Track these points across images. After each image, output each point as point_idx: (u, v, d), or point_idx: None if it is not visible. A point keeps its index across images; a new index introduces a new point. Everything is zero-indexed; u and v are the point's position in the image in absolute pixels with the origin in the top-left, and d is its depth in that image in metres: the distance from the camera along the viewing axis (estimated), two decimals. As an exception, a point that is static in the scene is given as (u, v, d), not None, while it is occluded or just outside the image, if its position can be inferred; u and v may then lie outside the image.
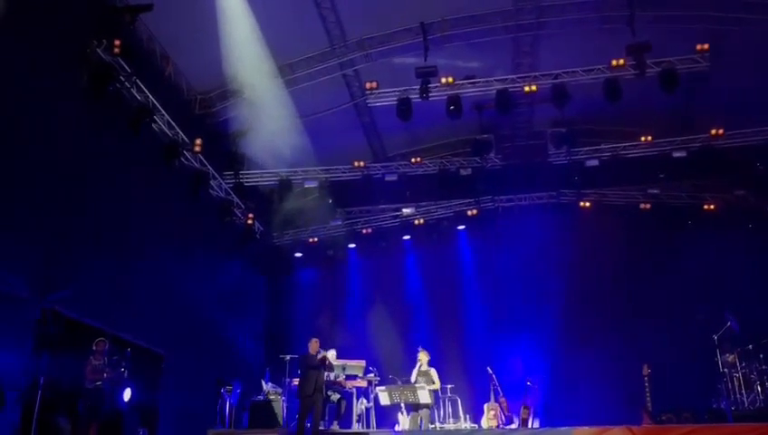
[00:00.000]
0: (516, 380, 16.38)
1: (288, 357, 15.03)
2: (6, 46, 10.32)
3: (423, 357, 14.78)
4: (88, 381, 12.00)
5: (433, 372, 14.76)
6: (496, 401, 15.69)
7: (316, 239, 20.96)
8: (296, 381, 14.58)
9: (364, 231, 20.63)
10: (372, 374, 15.25)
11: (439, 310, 19.94)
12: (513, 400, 15.91)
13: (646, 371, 14.22)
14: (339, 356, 15.29)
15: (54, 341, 11.51)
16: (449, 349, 18.30)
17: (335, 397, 14.76)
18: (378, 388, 14.66)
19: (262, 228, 19.80)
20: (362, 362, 15.25)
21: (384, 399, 14.24)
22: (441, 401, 15.94)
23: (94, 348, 12.25)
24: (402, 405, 14.42)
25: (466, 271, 20.51)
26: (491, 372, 15.83)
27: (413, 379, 14.65)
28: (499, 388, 15.60)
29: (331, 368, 13.99)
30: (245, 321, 19.21)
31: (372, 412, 15.03)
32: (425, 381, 14.65)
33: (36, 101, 11.59)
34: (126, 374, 12.38)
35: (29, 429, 10.47)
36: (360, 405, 15.01)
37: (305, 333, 16.63)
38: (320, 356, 13.55)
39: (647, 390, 14.14)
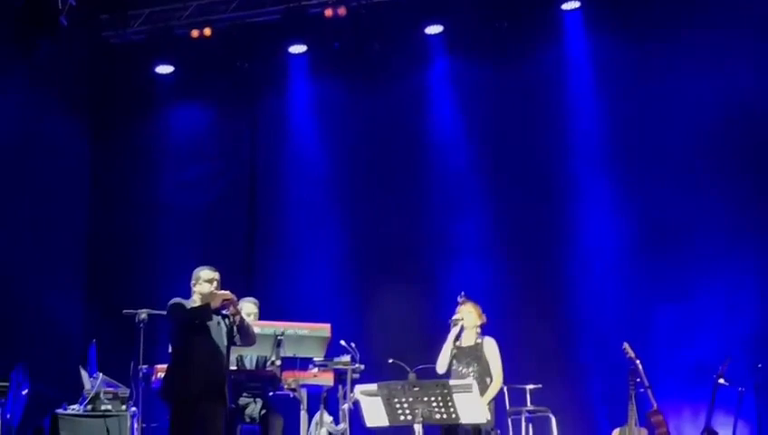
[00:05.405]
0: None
1: (144, 314, 7.22)
2: None
3: (466, 313, 7.25)
4: None
5: (489, 345, 7.21)
6: (642, 423, 7.70)
7: (209, 31, 10.27)
8: (162, 371, 6.98)
9: (327, 12, 9.82)
10: (347, 357, 7.33)
11: (504, 195, 9.88)
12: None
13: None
14: (265, 313, 7.48)
15: None
16: (529, 294, 9.62)
17: (255, 409, 7.08)
18: (360, 389, 6.53)
19: (74, 3, 9.44)
20: (324, 329, 7.33)
21: (373, 413, 6.38)
22: (512, 421, 8.13)
23: None
24: (418, 429, 6.37)
25: (573, 103, 9.99)
26: (631, 352, 7.81)
27: (442, 364, 7.13)
28: (650, 390, 7.69)
29: (246, 331, 6.41)
30: (45, 229, 10.04)
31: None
32: (471, 368, 7.14)
33: None
34: None
35: None
36: (318, 429, 7.16)
37: (180, 257, 9.50)
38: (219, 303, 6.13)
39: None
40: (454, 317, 7.44)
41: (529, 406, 8.26)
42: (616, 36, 9.70)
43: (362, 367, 7.28)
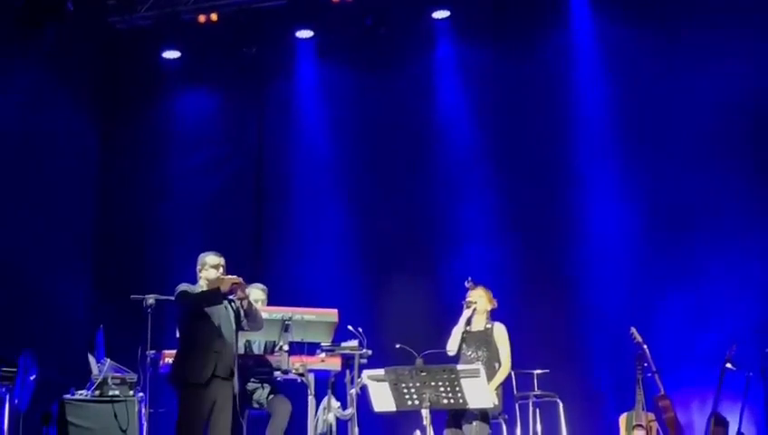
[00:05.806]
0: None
1: (151, 299, 7.37)
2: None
3: (477, 298, 7.31)
4: None
5: (499, 331, 7.30)
6: (650, 407, 7.70)
7: (216, 16, 10.28)
8: (169, 356, 7.04)
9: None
10: (355, 342, 7.22)
11: (510, 181, 9.77)
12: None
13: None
14: (273, 299, 7.47)
15: None
16: (536, 280, 9.56)
17: (262, 394, 7.13)
18: (368, 374, 6.50)
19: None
20: (331, 314, 7.29)
21: (381, 397, 6.36)
22: (519, 406, 8.05)
23: None
24: (425, 414, 6.38)
25: (579, 88, 9.85)
26: (638, 337, 7.85)
27: (453, 346, 7.24)
28: (657, 375, 7.70)
29: (254, 316, 6.49)
30: (53, 215, 10.00)
31: (355, 429, 6.99)
32: (480, 352, 7.23)
33: None
34: None
35: None
36: (325, 414, 7.10)
37: (187, 242, 9.46)
38: (228, 288, 6.18)
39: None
40: (468, 299, 7.34)
41: (536, 391, 8.08)
42: (623, 20, 9.40)
43: (370, 352, 7.14)
